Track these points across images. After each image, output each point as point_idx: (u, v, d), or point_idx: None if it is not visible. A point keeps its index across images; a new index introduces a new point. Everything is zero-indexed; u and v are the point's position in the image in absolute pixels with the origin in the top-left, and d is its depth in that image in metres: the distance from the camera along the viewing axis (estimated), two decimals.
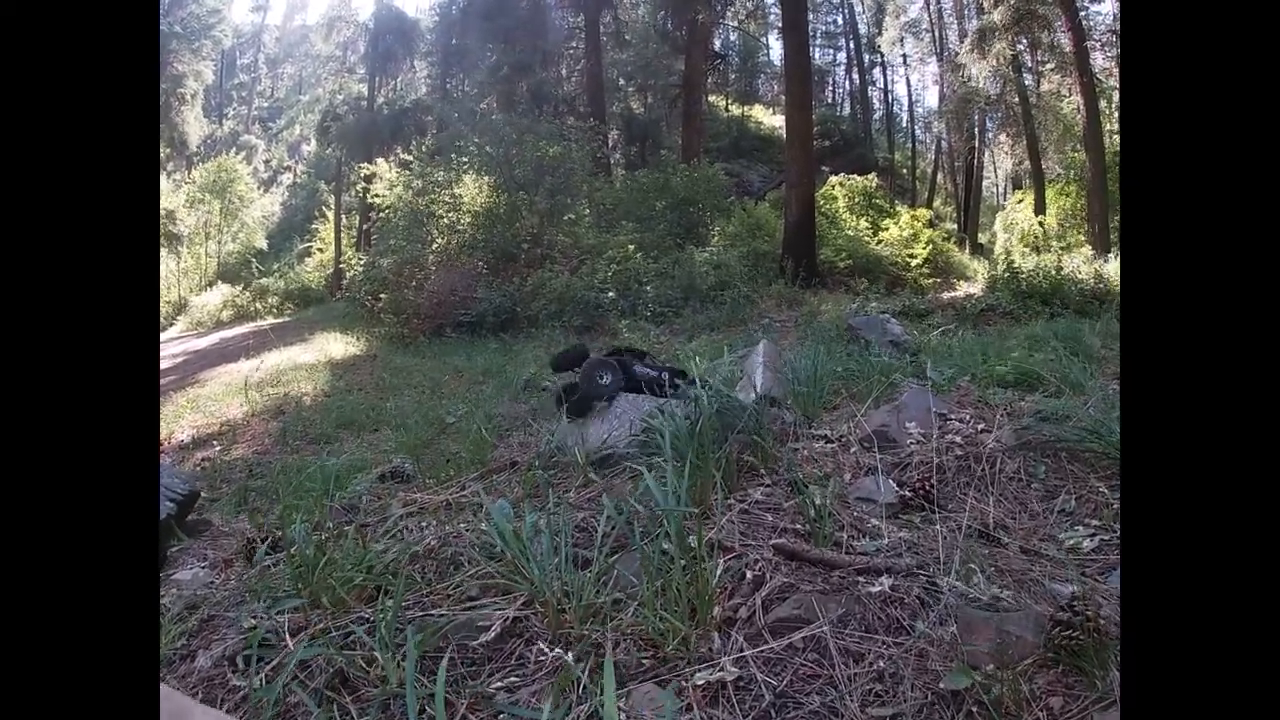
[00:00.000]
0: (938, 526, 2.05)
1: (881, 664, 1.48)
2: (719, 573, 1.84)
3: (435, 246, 13.69)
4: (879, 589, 1.67)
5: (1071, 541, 2.09)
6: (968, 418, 2.91)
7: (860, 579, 1.75)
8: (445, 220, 14.24)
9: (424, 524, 2.43)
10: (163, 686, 0.81)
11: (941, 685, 1.40)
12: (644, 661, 1.57)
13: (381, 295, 12.76)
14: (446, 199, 14.43)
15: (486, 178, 14.55)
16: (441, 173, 14.76)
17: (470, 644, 1.65)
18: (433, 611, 1.80)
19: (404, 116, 23.34)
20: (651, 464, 2.32)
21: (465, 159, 14.96)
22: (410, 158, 16.09)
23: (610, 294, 11.59)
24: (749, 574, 1.81)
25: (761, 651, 1.57)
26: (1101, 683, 1.41)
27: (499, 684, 1.53)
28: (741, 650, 1.57)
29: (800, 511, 2.14)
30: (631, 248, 12.66)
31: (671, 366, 3.69)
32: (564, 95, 24.39)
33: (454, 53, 25.53)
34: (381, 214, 15.96)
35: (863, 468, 2.58)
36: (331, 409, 6.88)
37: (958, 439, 2.63)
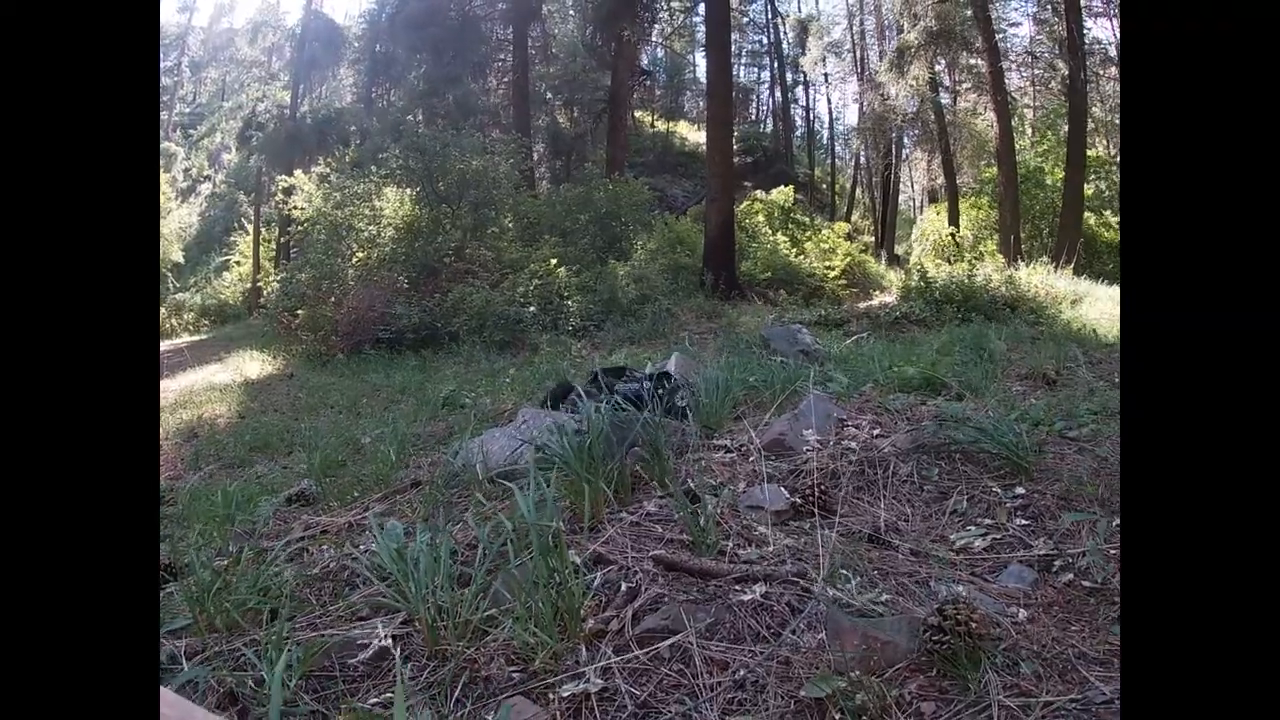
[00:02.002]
0: (826, 532, 2.07)
1: (744, 672, 1.47)
2: (596, 585, 1.83)
3: (355, 261, 13.30)
4: (750, 597, 1.67)
5: (963, 542, 2.14)
6: (865, 424, 2.96)
7: (736, 587, 1.75)
8: (365, 234, 13.85)
9: (324, 546, 2.42)
10: (167, 693, 0.78)
11: (802, 693, 1.40)
12: (514, 676, 1.57)
13: (299, 311, 12.32)
14: (367, 212, 14.05)
15: (408, 190, 14.25)
16: (362, 185, 14.38)
17: (349, 661, 1.66)
18: (325, 632, 1.80)
19: (327, 126, 22.68)
20: (549, 479, 2.32)
21: (386, 171, 14.63)
22: (330, 170, 15.62)
23: (532, 309, 11.40)
24: (624, 586, 1.79)
25: (628, 662, 1.56)
26: (975, 686, 1.43)
27: (375, 699, 1.53)
28: (609, 661, 1.56)
29: (693, 520, 2.14)
30: (554, 262, 12.48)
31: (652, 373, 3.71)
32: (489, 107, 24.17)
33: (381, 61, 25.01)
34: (300, 227, 15.45)
35: (759, 476, 2.59)
36: (245, 431, 6.64)
37: (854, 444, 2.67)
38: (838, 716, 1.36)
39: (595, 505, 2.27)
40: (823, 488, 2.34)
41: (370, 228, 13.85)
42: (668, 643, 1.57)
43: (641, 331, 10.35)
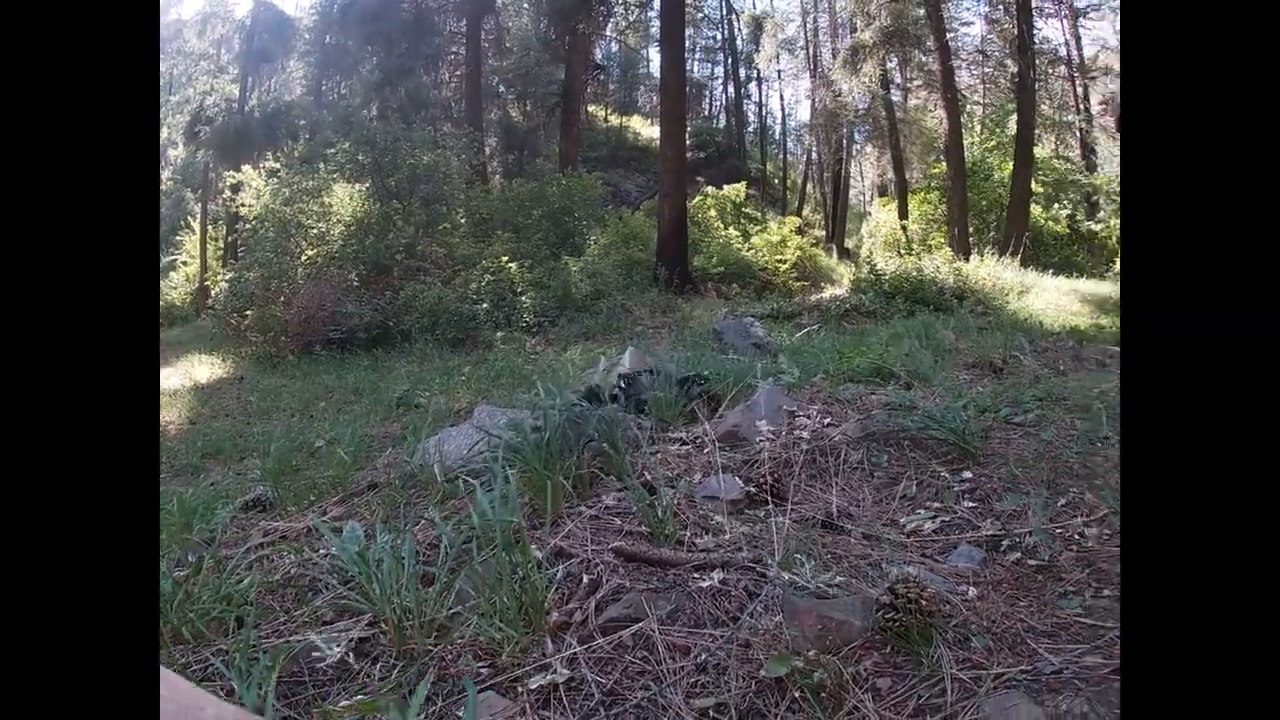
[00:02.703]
0: (780, 519, 2.12)
1: (705, 656, 1.50)
2: (558, 578, 1.85)
3: (304, 259, 13.01)
4: (709, 583, 1.71)
5: (913, 525, 2.21)
6: (816, 413, 3.03)
7: (695, 575, 1.78)
8: (315, 231, 13.55)
9: (284, 552, 2.40)
10: (175, 678, 0.80)
11: (762, 673, 1.44)
12: (481, 671, 1.58)
13: (248, 312, 12.01)
14: (316, 208, 13.74)
15: (358, 186, 13.98)
16: (311, 180, 14.05)
17: (319, 666, 1.65)
18: (291, 638, 1.79)
19: (277, 120, 22.06)
20: (508, 476, 2.34)
21: (335, 166, 14.34)
22: (279, 165, 15.22)
23: (485, 305, 11.34)
24: (586, 578, 1.82)
25: (593, 652, 1.58)
26: (928, 660, 1.48)
27: (346, 702, 1.52)
28: (574, 651, 1.58)
29: (650, 511, 2.17)
30: (505, 258, 12.41)
31: (691, 376, 3.75)
32: (441, 101, 23.80)
33: (332, 54, 24.41)
34: (249, 225, 15.03)
35: (714, 467, 2.63)
36: (197, 438, 6.52)
37: (805, 434, 2.73)
38: (798, 694, 1.40)
39: (555, 500, 2.28)
40: (776, 476, 2.39)
41: (320, 225, 13.57)
42: (630, 630, 1.60)
43: (596, 327, 10.36)
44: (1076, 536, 2.01)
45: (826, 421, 2.93)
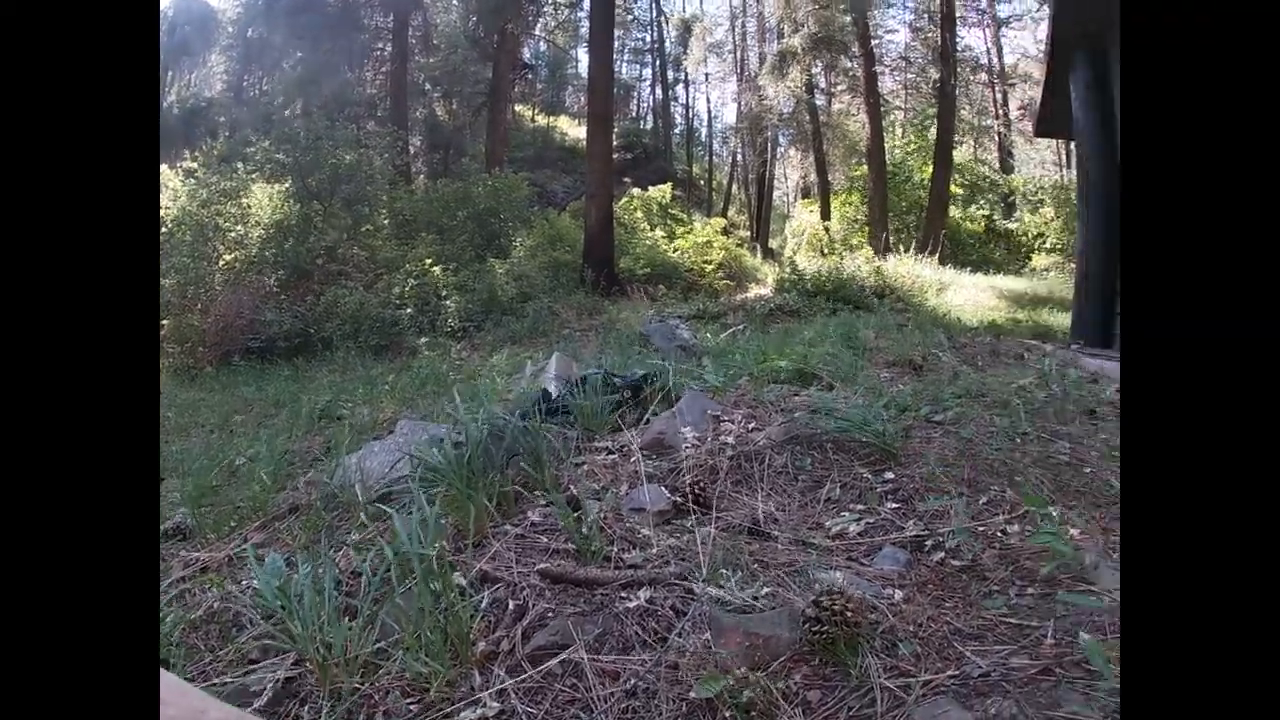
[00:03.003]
0: (707, 529, 2.09)
1: (634, 681, 1.46)
2: (484, 606, 1.78)
3: (222, 265, 12.40)
4: (636, 604, 1.67)
5: (838, 528, 2.21)
6: (740, 418, 3.02)
7: (622, 594, 1.74)
8: (233, 234, 12.92)
9: (205, 585, 2.29)
10: (177, 681, 0.79)
11: (692, 695, 1.40)
12: (411, 708, 1.52)
13: (164, 322, 11.38)
14: (234, 210, 13.11)
15: (278, 186, 13.41)
16: (230, 181, 13.39)
17: (253, 707, 1.58)
18: (215, 680, 1.71)
19: (196, 117, 21.04)
20: (432, 496, 2.27)
21: (254, 166, 13.73)
22: (196, 164, 14.49)
23: (408, 310, 11.08)
24: (512, 604, 1.75)
25: (522, 683, 1.53)
26: (857, 671, 1.47)
27: None
28: (504, 684, 1.52)
29: (576, 529, 2.12)
30: (429, 261, 12.15)
31: (642, 375, 3.68)
32: (365, 98, 23.14)
33: (255, 48, 23.42)
34: (165, 229, 14.23)
35: (641, 477, 2.60)
36: None
37: (730, 439, 2.72)
38: (728, 714, 1.37)
39: (479, 520, 2.21)
40: (701, 485, 2.37)
41: (238, 228, 12.94)
42: (558, 659, 1.55)
43: (523, 330, 10.24)
44: (999, 534, 2.05)
45: (751, 426, 2.92)
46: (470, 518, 2.14)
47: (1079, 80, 6.65)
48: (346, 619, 1.75)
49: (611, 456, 2.87)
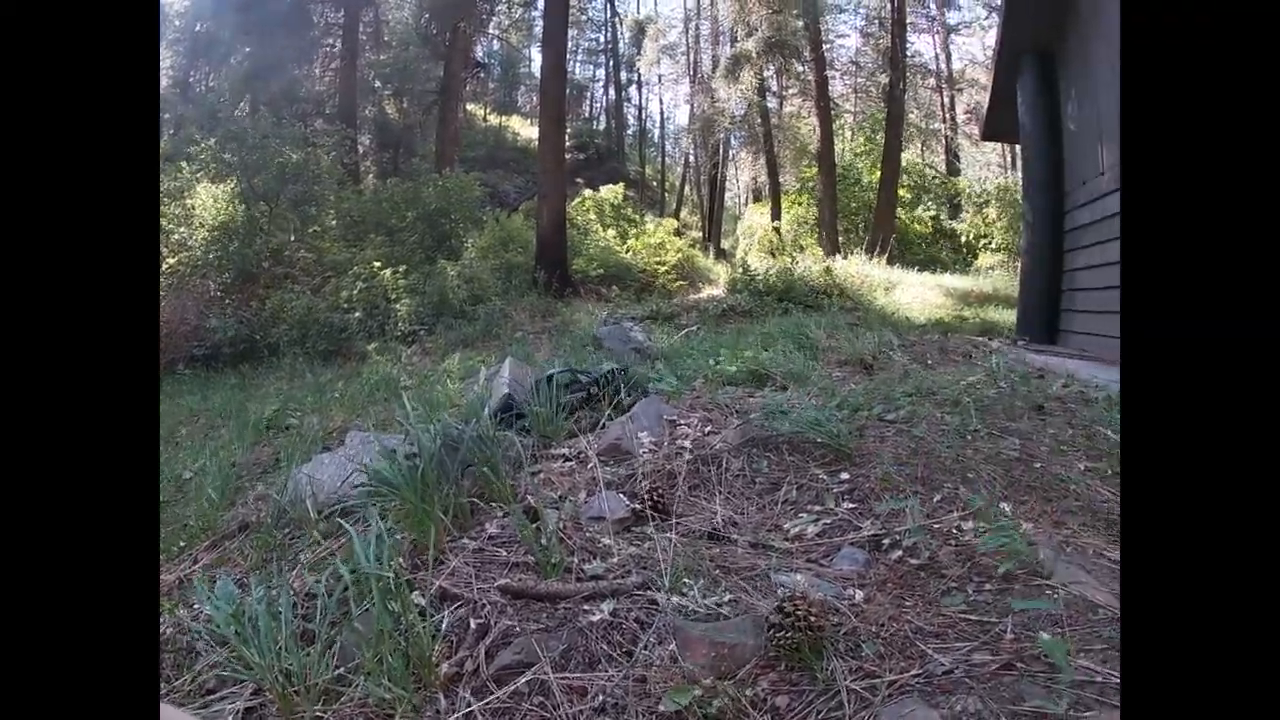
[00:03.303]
0: (668, 535, 2.09)
1: (602, 697, 1.45)
2: (445, 626, 1.74)
3: (165, 268, 11.95)
4: (600, 617, 1.65)
5: (796, 529, 2.22)
6: (696, 421, 3.02)
7: (585, 607, 1.72)
8: (176, 236, 12.45)
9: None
10: (176, 713, 0.80)
11: (661, 707, 1.39)
12: None
13: None
14: (178, 212, 12.62)
15: (223, 186, 12.98)
16: (174, 181, 12.89)
17: None
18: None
19: None
20: (386, 511, 2.22)
21: (200, 165, 13.26)
22: None
23: (357, 314, 10.85)
24: (474, 622, 1.72)
25: (489, 704, 1.50)
26: (823, 675, 1.48)
27: None
28: (470, 707, 1.49)
29: (535, 541, 2.09)
30: (378, 264, 11.89)
31: (609, 370, 3.62)
32: (314, 96, 22.56)
33: (202, 43, 22.58)
34: None
35: (599, 484, 2.58)
36: None
37: (687, 443, 2.72)
38: None
39: (437, 536, 2.16)
40: (660, 491, 2.36)
41: (181, 230, 12.48)
42: (524, 679, 1.52)
43: (475, 334, 10.11)
44: (954, 531, 2.08)
45: (707, 429, 2.93)
46: (429, 534, 2.09)
47: (1025, 85, 6.84)
48: (304, 644, 1.69)
49: (569, 464, 2.84)
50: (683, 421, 3.02)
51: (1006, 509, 2.17)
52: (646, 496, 2.31)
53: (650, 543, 2.08)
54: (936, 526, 2.11)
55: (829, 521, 2.25)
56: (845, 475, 2.48)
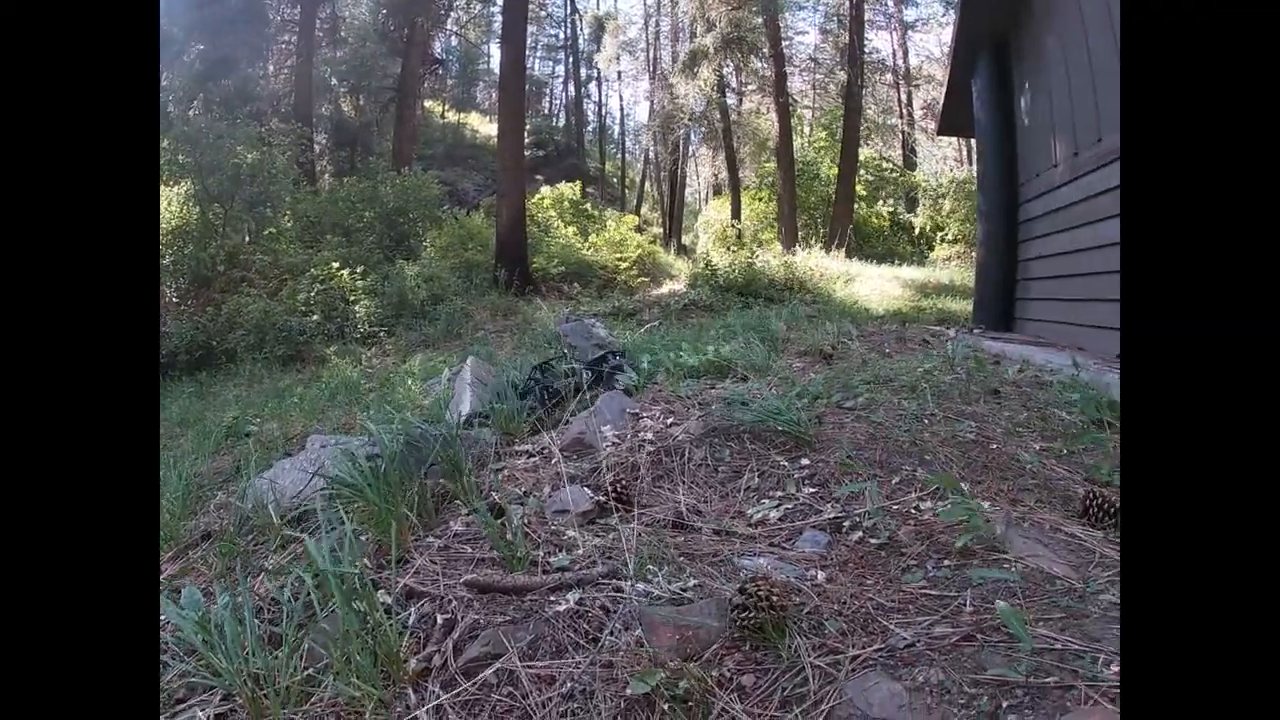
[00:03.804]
0: (632, 526, 2.11)
1: (570, 684, 1.46)
2: (412, 622, 1.75)
3: None
4: (565, 607, 1.66)
5: (759, 515, 2.25)
6: (659, 413, 3.05)
7: (551, 598, 1.73)
8: None
9: None
10: None
11: (628, 691, 1.41)
12: None
13: None
14: None
15: (176, 189, 12.65)
16: None
17: None
18: None
19: None
20: (349, 512, 2.24)
21: None
22: None
23: (315, 317, 10.71)
24: (440, 618, 1.72)
25: (458, 697, 1.50)
26: (787, 652, 1.51)
27: None
28: (439, 699, 1.50)
29: (500, 536, 2.09)
30: (335, 265, 11.75)
31: (605, 354, 3.64)
32: (269, 94, 22.03)
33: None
34: None
35: (563, 478, 2.59)
36: None
37: (649, 436, 2.74)
38: (666, 707, 1.39)
39: (400, 535, 2.15)
40: (623, 483, 2.38)
41: None
42: (492, 669, 1.53)
43: (436, 334, 10.02)
44: (913, 511, 2.14)
45: (669, 421, 2.95)
46: (391, 533, 2.08)
47: (980, 81, 6.97)
48: (272, 648, 1.69)
49: (532, 459, 2.85)
50: (645, 414, 3.04)
51: (964, 488, 2.23)
52: (610, 489, 2.32)
53: (615, 533, 2.10)
54: (895, 507, 2.17)
55: (790, 506, 2.28)
56: (805, 461, 2.53)
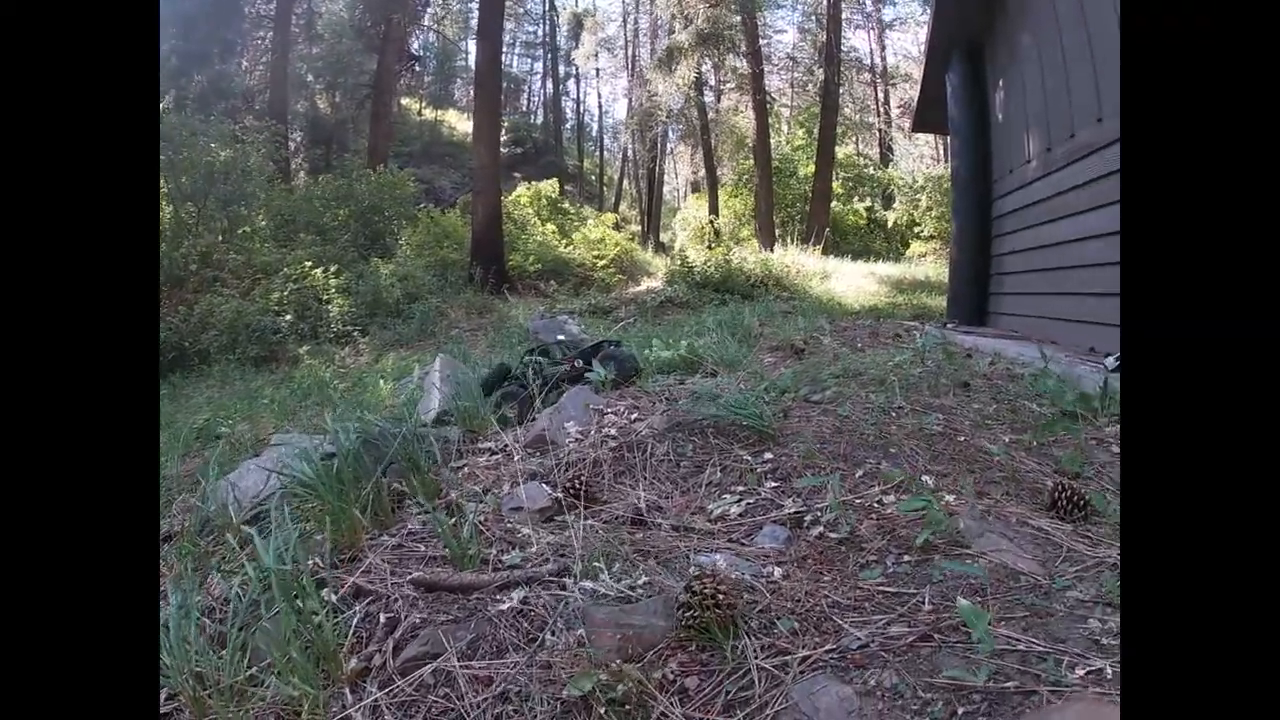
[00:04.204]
0: (589, 523, 2.06)
1: (506, 685, 1.42)
2: (356, 621, 1.70)
3: None
4: (509, 605, 1.62)
5: (719, 510, 2.21)
6: (624, 409, 3.00)
7: (497, 597, 1.68)
8: None
9: None
10: None
11: (566, 694, 1.36)
12: None
13: None
14: None
15: None
16: None
17: None
18: None
19: None
20: (304, 512, 2.24)
21: None
22: None
23: (288, 317, 10.57)
24: (384, 617, 1.67)
25: (394, 696, 1.46)
26: (732, 654, 1.47)
27: None
28: (375, 699, 1.45)
29: (451, 534, 2.04)
30: (309, 264, 11.62)
31: (598, 342, 3.62)
32: (244, 90, 21.73)
33: None
34: None
35: (524, 475, 2.54)
36: None
37: (613, 431, 2.69)
38: (603, 711, 1.34)
39: (354, 533, 2.11)
40: (583, 479, 2.33)
41: None
42: (429, 669, 1.49)
43: (410, 333, 9.94)
44: (875, 505, 2.10)
45: (634, 417, 2.91)
46: (343, 531, 2.03)
47: (955, 78, 7.00)
48: (219, 648, 1.66)
49: (495, 457, 2.80)
50: (610, 410, 2.99)
51: (928, 481, 2.19)
52: (569, 485, 2.27)
53: (571, 530, 2.05)
54: (858, 501, 2.13)
55: (751, 501, 2.24)
56: (769, 456, 2.49)
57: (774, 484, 2.32)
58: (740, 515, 2.17)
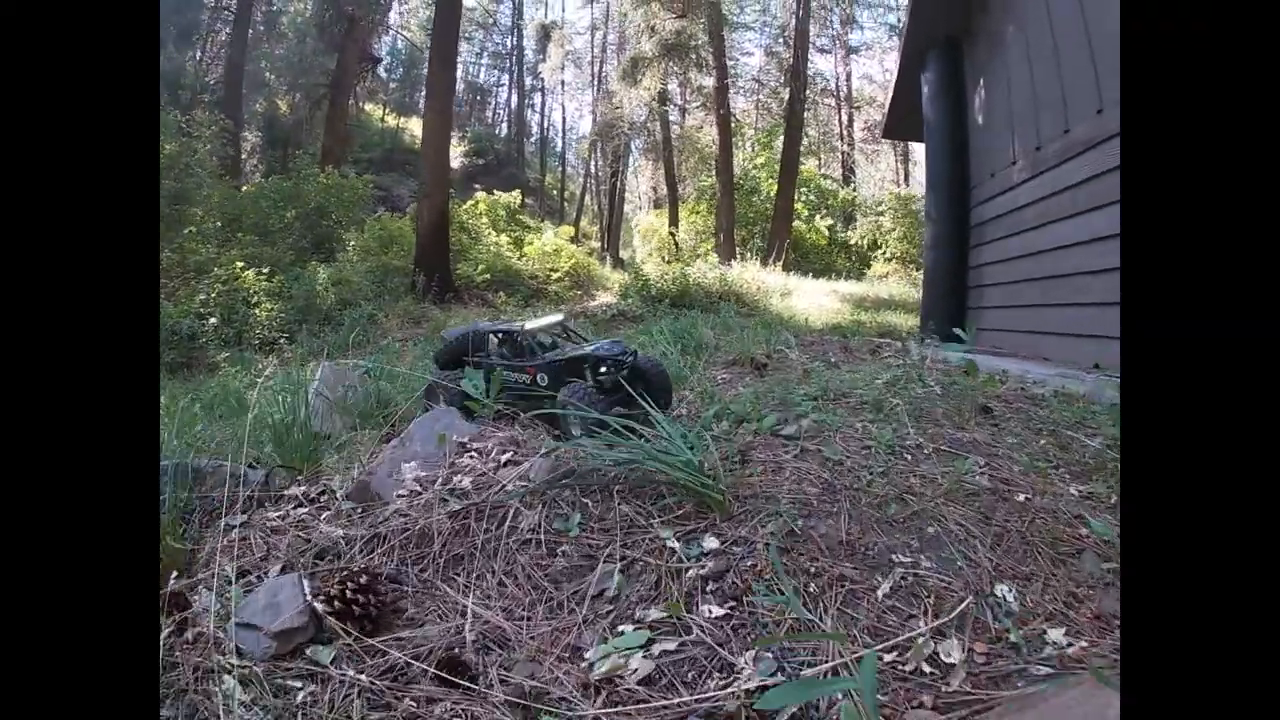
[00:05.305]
0: (353, 673, 1.03)
1: None
2: None
3: None
4: None
5: (606, 664, 1.21)
6: (494, 446, 1.95)
7: None
8: None
9: None
10: None
11: None
12: None
13: None
14: None
15: None
16: None
17: None
18: None
19: None
20: None
21: None
22: None
23: (213, 320, 9.66)
24: None
25: None
26: None
27: None
28: None
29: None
30: (240, 265, 10.69)
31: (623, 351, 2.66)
32: (199, 85, 20.57)
33: None
34: None
35: (313, 546, 1.52)
36: None
37: (467, 482, 1.66)
38: None
39: None
40: (363, 582, 1.29)
41: None
42: None
43: (340, 342, 8.93)
44: (923, 669, 1.11)
45: (506, 458, 1.88)
46: None
47: (931, 77, 6.49)
48: None
49: (301, 510, 1.78)
50: (474, 445, 1.93)
51: (1008, 596, 1.22)
52: (339, 592, 1.23)
53: (315, 688, 1.02)
54: (899, 667, 1.12)
55: (673, 649, 1.23)
56: (712, 541, 1.48)
57: (718, 608, 1.30)
58: (642, 683, 1.15)
